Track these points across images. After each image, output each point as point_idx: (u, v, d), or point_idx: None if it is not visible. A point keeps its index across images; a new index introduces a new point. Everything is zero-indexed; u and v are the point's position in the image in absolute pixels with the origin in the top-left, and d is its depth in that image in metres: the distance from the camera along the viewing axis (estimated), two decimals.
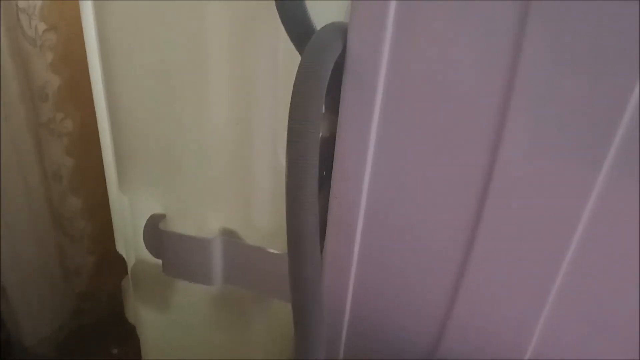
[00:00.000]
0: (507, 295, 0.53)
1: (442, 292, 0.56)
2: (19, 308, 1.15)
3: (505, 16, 0.43)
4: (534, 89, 0.44)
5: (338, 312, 0.62)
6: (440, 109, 0.49)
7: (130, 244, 0.85)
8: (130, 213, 0.80)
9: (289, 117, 0.48)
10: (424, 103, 0.49)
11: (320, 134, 0.52)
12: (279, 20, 0.55)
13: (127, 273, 0.90)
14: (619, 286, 0.49)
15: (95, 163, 0.93)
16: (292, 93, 0.48)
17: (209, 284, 0.75)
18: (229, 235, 0.73)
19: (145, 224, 0.76)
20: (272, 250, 0.70)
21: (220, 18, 0.60)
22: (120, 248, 0.96)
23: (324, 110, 0.52)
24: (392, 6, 0.47)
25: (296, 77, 0.48)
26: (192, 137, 0.67)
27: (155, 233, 0.75)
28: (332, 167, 0.55)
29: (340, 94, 0.52)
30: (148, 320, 0.91)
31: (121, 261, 0.94)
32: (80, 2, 0.77)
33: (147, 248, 0.77)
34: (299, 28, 0.54)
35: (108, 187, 0.87)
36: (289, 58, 0.58)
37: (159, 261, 0.78)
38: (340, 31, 0.50)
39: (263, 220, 0.72)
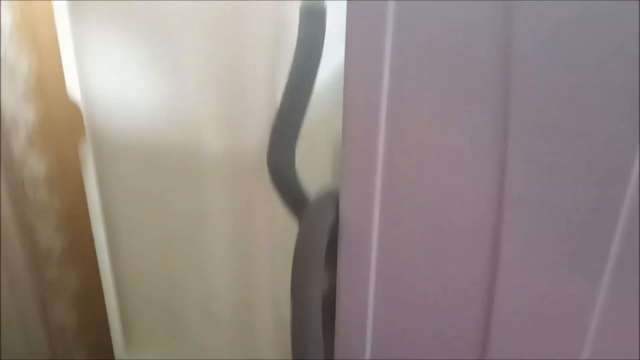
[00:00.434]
0: None
1: None
2: None
3: (487, 139, 0.47)
4: (524, 204, 0.47)
5: None
6: (434, 257, 0.51)
7: None
8: None
9: (292, 283, 0.52)
10: (417, 258, 0.52)
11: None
12: (273, 192, 0.59)
13: None
14: None
15: (99, 320, 0.94)
16: (293, 262, 0.52)
17: None
18: None
19: None
20: None
21: (219, 191, 0.65)
22: None
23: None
24: (379, 177, 0.51)
25: (295, 249, 0.52)
26: (195, 300, 0.70)
27: None
28: (334, 319, 0.57)
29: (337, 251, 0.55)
30: None
31: None
32: (83, 174, 0.82)
33: None
34: (293, 198, 0.59)
35: (113, 345, 0.88)
36: (284, 222, 0.62)
37: None
38: (332, 200, 0.54)
39: None
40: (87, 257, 1.00)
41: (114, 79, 0.65)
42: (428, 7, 0.45)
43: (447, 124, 0.48)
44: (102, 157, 0.71)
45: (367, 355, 0.58)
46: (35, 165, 0.95)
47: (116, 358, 0.89)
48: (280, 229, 0.67)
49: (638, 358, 0.49)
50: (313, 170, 0.71)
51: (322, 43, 0.60)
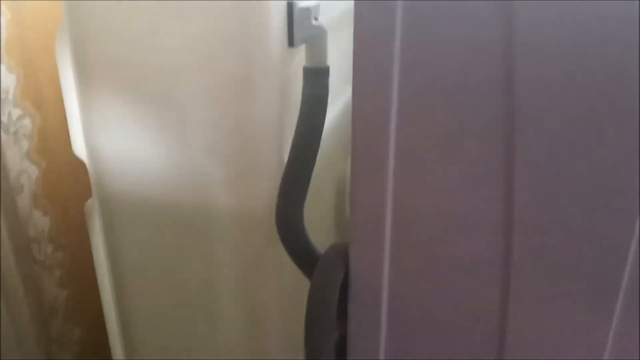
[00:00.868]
0: None
1: None
2: None
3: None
4: (532, 243, 0.48)
5: None
6: (444, 305, 0.53)
7: None
8: None
9: (305, 338, 0.53)
10: (428, 308, 0.54)
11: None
12: (282, 247, 0.61)
13: None
14: None
15: None
16: (305, 318, 0.53)
17: None
18: None
19: None
20: None
21: (228, 247, 0.66)
22: None
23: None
24: (388, 230, 0.53)
25: (307, 305, 0.53)
26: (204, 355, 0.70)
27: None
28: None
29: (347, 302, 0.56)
30: None
31: None
32: (89, 230, 0.83)
33: None
34: (302, 254, 0.60)
35: None
36: (293, 277, 0.63)
37: None
38: (342, 255, 0.55)
39: None
40: (92, 312, 1.00)
41: (122, 136, 0.66)
42: (434, 47, 0.46)
43: (455, 168, 0.49)
44: (110, 214, 0.72)
45: None
46: (39, 222, 0.96)
47: None
48: (289, 283, 0.68)
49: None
50: (316, 210, 0.72)
51: (326, 100, 0.62)
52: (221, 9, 0.57)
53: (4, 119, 0.86)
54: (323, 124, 0.62)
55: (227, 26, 0.58)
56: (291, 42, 0.59)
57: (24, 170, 0.91)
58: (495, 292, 0.52)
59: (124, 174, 0.68)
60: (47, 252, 0.98)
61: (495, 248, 0.50)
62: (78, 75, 0.66)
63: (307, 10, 0.60)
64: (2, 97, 0.85)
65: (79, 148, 0.79)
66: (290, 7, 0.59)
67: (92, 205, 0.81)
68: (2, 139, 0.86)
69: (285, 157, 0.62)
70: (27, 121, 0.90)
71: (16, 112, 0.88)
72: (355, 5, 0.46)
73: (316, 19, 0.61)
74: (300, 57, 0.63)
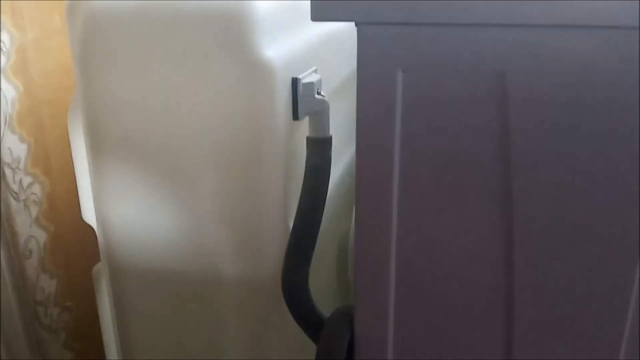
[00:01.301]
0: None
1: None
2: None
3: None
4: (533, 289, 0.51)
5: None
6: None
7: None
8: None
9: None
10: None
11: None
12: (289, 314, 0.63)
13: None
14: None
15: None
16: None
17: None
18: None
19: None
20: None
21: (236, 315, 0.68)
22: None
23: None
24: (392, 294, 0.55)
25: None
26: None
27: None
28: None
29: None
30: None
31: None
32: (96, 294, 0.84)
33: None
34: (308, 319, 0.62)
35: None
36: (300, 343, 0.65)
37: None
38: (347, 319, 0.57)
39: None
40: None
41: (132, 204, 0.68)
42: (432, 110, 0.49)
43: (457, 226, 0.51)
44: (118, 279, 0.73)
45: None
46: (46, 285, 0.98)
47: None
48: (296, 348, 0.69)
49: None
50: (320, 272, 0.74)
51: (329, 169, 0.65)
52: (231, 85, 0.60)
53: (15, 187, 0.89)
54: (326, 192, 0.64)
55: (236, 101, 0.61)
56: (296, 116, 0.63)
57: (33, 235, 0.93)
58: (500, 344, 0.53)
59: (132, 241, 0.70)
60: (53, 315, 0.99)
61: (498, 301, 0.52)
62: (90, 145, 0.69)
63: (311, 85, 0.63)
64: (13, 167, 0.87)
65: (88, 214, 0.81)
66: (294, 83, 0.62)
67: (100, 270, 0.83)
68: (12, 207, 0.88)
69: (291, 225, 0.65)
70: (36, 188, 0.92)
71: (27, 180, 0.90)
72: (358, 77, 0.49)
73: (319, 93, 0.64)
74: (304, 127, 0.66)
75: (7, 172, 0.87)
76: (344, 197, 0.84)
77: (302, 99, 0.62)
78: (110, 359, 0.90)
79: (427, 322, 0.55)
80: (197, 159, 0.63)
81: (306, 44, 0.68)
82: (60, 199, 0.97)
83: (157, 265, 0.69)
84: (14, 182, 0.89)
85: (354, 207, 0.54)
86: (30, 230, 0.93)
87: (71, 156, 0.80)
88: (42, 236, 0.95)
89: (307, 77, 0.64)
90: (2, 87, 0.84)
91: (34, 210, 0.93)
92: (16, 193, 0.89)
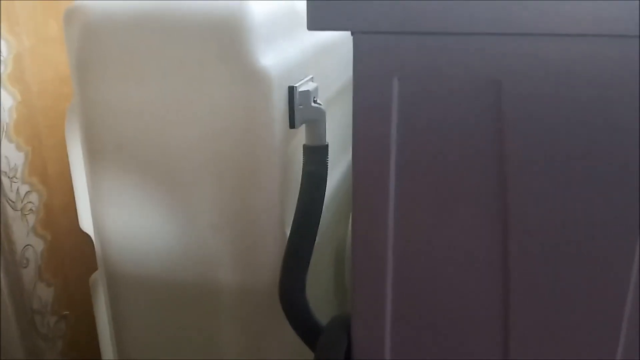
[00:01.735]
0: None
1: None
2: None
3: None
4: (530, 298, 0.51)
5: None
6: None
7: None
8: None
9: None
10: None
11: None
12: (286, 322, 0.63)
13: None
14: None
15: None
16: None
17: None
18: None
19: None
20: None
21: (233, 324, 0.68)
22: None
23: None
24: (389, 300, 0.55)
25: None
26: None
27: None
28: None
29: None
30: None
31: None
32: (94, 303, 0.84)
33: None
34: (306, 328, 0.62)
35: None
36: (298, 351, 0.65)
37: None
38: (344, 327, 0.57)
39: None
40: None
41: (129, 213, 0.69)
42: (427, 118, 0.49)
43: (454, 233, 0.52)
44: (115, 287, 0.73)
45: None
46: (43, 294, 0.97)
47: None
48: (293, 357, 0.69)
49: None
50: (317, 279, 0.74)
51: (325, 177, 0.65)
52: (227, 93, 0.60)
53: (12, 195, 0.88)
54: (323, 199, 0.65)
55: (232, 109, 0.61)
56: (292, 124, 0.63)
57: (30, 244, 0.93)
58: (497, 346, 0.54)
59: (130, 249, 0.70)
60: (50, 324, 0.99)
61: (495, 304, 0.52)
62: (87, 154, 0.69)
63: (307, 93, 0.63)
64: (10, 176, 0.87)
65: (86, 222, 0.81)
66: (291, 91, 0.62)
67: (97, 279, 0.83)
68: (9, 215, 0.88)
69: (287, 232, 0.65)
70: (33, 196, 0.92)
71: (24, 189, 0.90)
72: (354, 85, 0.50)
73: (315, 101, 0.64)
74: (300, 135, 0.66)
75: (4, 180, 0.87)
76: (341, 204, 0.85)
77: (298, 107, 0.63)
78: None
79: (425, 327, 0.55)
80: (193, 167, 0.64)
81: (302, 53, 0.69)
82: (57, 208, 0.97)
83: (154, 273, 0.69)
84: (11, 190, 0.88)
85: (351, 214, 0.54)
86: (27, 238, 0.93)
87: (68, 164, 0.80)
88: (39, 245, 0.95)
89: (303, 86, 0.64)
90: None
91: (31, 219, 0.93)
92: (13, 202, 0.89)
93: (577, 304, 0.51)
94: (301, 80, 0.65)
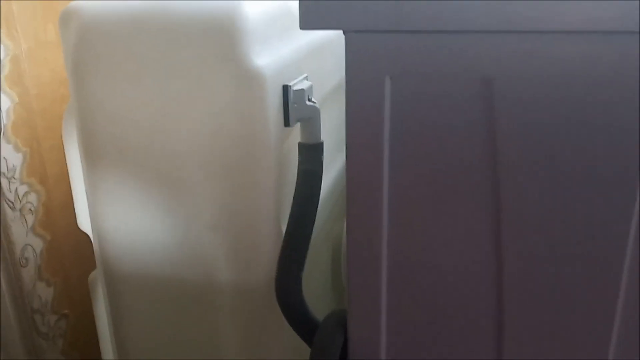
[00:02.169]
0: None
1: None
2: None
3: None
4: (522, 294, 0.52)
5: None
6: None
7: None
8: None
9: None
10: None
11: None
12: (283, 318, 0.63)
13: None
14: None
15: None
16: None
17: None
18: None
19: None
20: None
21: (231, 321, 0.68)
22: None
23: None
24: (384, 296, 0.56)
25: None
26: None
27: None
28: None
29: None
30: None
31: None
32: (93, 301, 0.85)
33: None
34: (303, 323, 0.63)
35: None
36: (295, 347, 0.65)
37: None
38: (340, 323, 0.58)
39: None
40: None
41: (127, 212, 0.69)
42: (420, 115, 0.50)
43: (447, 229, 0.52)
44: (114, 285, 0.74)
45: None
46: (43, 293, 0.98)
47: None
48: (290, 352, 0.70)
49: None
50: (315, 275, 0.75)
51: (321, 174, 0.65)
52: (223, 93, 0.61)
53: (11, 196, 0.89)
54: (318, 196, 0.65)
55: (227, 109, 0.61)
56: (287, 123, 0.63)
57: (29, 244, 0.93)
58: (491, 343, 0.54)
59: (127, 247, 0.71)
60: (50, 322, 1.00)
61: (489, 302, 0.53)
62: (85, 155, 0.70)
63: (301, 92, 0.64)
64: (8, 176, 0.88)
65: (84, 222, 0.82)
66: (285, 90, 0.63)
67: (96, 277, 0.84)
68: (8, 216, 0.88)
69: (284, 229, 0.65)
70: (32, 197, 0.93)
71: (22, 189, 0.91)
72: (347, 84, 0.50)
73: (310, 99, 0.65)
74: (295, 133, 0.67)
75: (3, 181, 0.88)
76: (338, 201, 0.85)
77: (293, 105, 0.63)
78: None
79: (420, 323, 0.56)
80: (190, 166, 0.64)
81: (297, 52, 0.69)
82: (56, 208, 0.97)
83: (152, 271, 0.70)
84: (10, 191, 0.89)
85: (346, 211, 0.54)
86: (26, 238, 0.93)
87: (66, 165, 0.81)
88: (38, 244, 0.96)
89: (297, 84, 0.65)
90: None
91: (30, 219, 0.94)
92: (12, 202, 0.89)
93: (571, 302, 0.51)
94: (296, 79, 0.65)
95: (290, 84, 0.63)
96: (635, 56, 0.44)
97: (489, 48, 0.47)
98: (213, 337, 0.71)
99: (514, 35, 0.46)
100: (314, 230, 0.65)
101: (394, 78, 0.49)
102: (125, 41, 0.62)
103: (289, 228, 0.64)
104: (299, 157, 0.66)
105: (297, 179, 0.65)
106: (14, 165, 0.88)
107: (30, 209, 0.93)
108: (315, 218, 0.65)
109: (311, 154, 0.65)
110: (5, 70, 0.85)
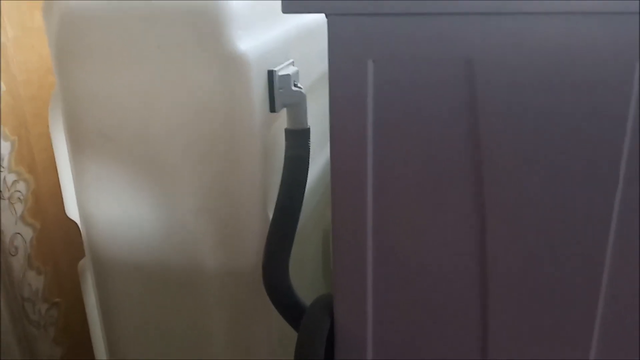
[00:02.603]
0: None
1: None
2: None
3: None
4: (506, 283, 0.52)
5: None
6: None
7: None
8: None
9: None
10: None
11: None
12: (270, 304, 0.64)
13: None
14: None
15: None
16: None
17: None
18: None
19: None
20: None
21: (218, 306, 0.69)
22: None
23: None
24: (370, 281, 0.56)
25: (295, 357, 0.56)
26: None
27: None
28: None
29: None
30: None
31: None
32: (82, 289, 0.85)
33: None
34: (289, 308, 0.63)
35: None
36: (282, 331, 0.65)
37: None
38: (327, 307, 0.58)
39: None
40: None
41: (114, 199, 0.69)
42: (403, 102, 0.50)
43: (431, 218, 0.52)
44: (102, 272, 0.74)
45: None
46: (33, 281, 0.98)
47: None
48: (277, 336, 0.70)
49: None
50: (304, 261, 0.75)
51: (308, 159, 0.65)
52: (207, 78, 0.61)
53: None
54: (305, 182, 0.65)
55: (212, 95, 0.61)
56: (272, 108, 0.63)
57: (19, 232, 0.93)
58: (475, 333, 0.55)
59: (116, 235, 0.71)
60: (41, 311, 1.00)
61: (473, 289, 0.53)
62: (71, 142, 0.69)
63: (287, 77, 0.64)
64: None
65: (72, 210, 0.82)
66: (270, 75, 0.63)
67: (86, 265, 0.84)
68: None
69: (270, 215, 0.65)
70: (21, 185, 0.93)
71: (11, 178, 0.90)
72: (330, 67, 0.50)
73: (296, 85, 0.65)
74: (282, 119, 0.67)
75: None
76: (328, 187, 0.85)
77: (278, 91, 0.63)
78: (99, 352, 0.91)
79: (405, 311, 0.56)
80: (175, 152, 0.64)
81: (283, 37, 0.69)
82: (45, 196, 0.97)
83: (140, 258, 0.70)
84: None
85: (331, 199, 0.54)
86: (15, 227, 0.93)
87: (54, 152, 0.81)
88: (28, 233, 0.95)
89: (283, 70, 0.64)
90: None
91: (19, 208, 0.93)
92: (0, 191, 0.89)
93: (554, 299, 0.52)
94: (281, 64, 0.65)
95: (276, 69, 0.63)
96: (618, 37, 0.44)
97: (472, 30, 0.46)
98: (201, 321, 0.71)
99: (498, 17, 0.46)
100: (303, 216, 0.65)
101: (377, 61, 0.49)
102: (108, 27, 0.62)
103: (275, 213, 0.64)
104: (285, 143, 0.65)
105: (284, 164, 0.65)
106: (2, 154, 0.88)
107: (19, 198, 0.93)
108: (302, 203, 0.65)
109: (297, 140, 0.65)
110: None
